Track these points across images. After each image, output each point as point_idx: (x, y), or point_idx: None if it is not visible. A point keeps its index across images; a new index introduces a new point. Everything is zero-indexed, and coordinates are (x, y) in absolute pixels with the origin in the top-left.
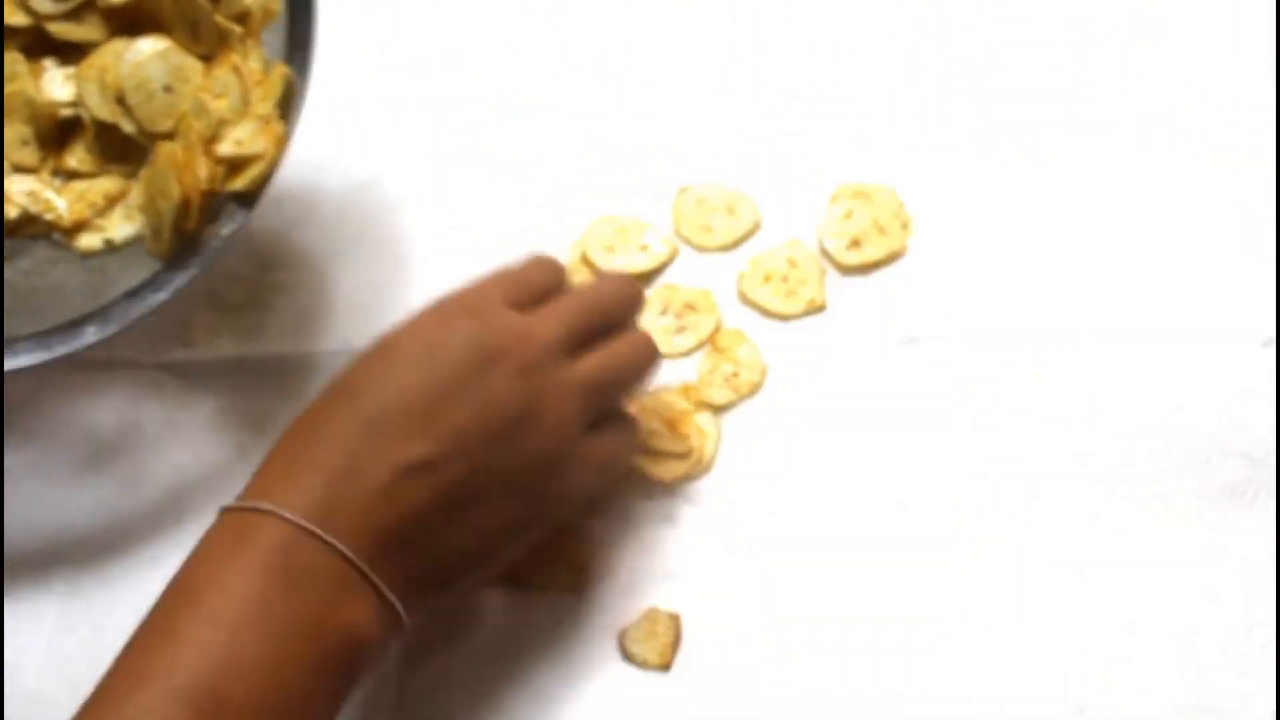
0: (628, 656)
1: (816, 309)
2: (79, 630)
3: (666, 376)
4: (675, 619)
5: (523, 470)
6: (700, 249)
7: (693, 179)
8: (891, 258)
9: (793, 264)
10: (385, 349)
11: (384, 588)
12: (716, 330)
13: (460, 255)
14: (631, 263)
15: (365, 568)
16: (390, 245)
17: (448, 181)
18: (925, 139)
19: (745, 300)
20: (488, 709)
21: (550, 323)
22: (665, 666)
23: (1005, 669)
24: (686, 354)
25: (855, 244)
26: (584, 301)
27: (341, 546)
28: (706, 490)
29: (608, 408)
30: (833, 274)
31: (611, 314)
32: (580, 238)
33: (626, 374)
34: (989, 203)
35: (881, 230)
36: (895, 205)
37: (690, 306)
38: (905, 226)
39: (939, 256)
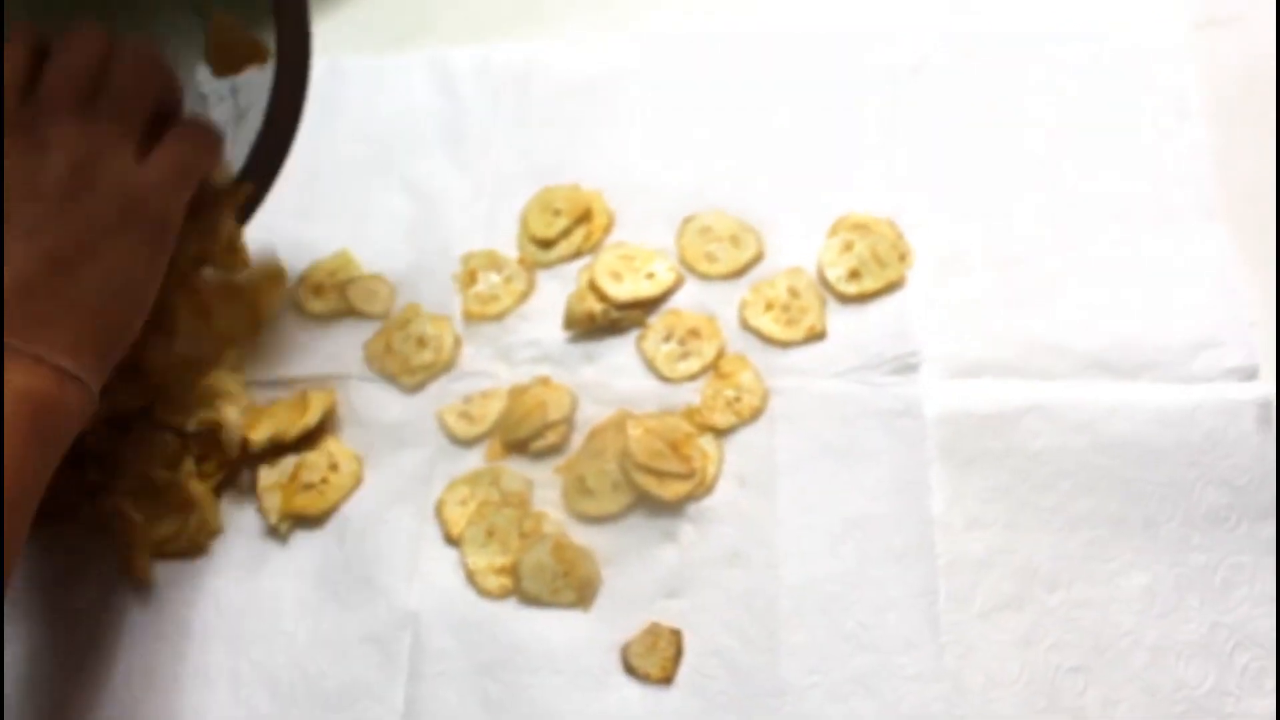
0: (630, 670)
1: (817, 336)
2: None
3: (671, 400)
4: (677, 634)
5: (107, 214)
6: (704, 277)
7: (698, 209)
8: (889, 288)
9: (794, 293)
10: None
11: (44, 353)
12: (719, 356)
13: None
14: (638, 289)
15: (16, 342)
16: None
17: None
18: (924, 172)
19: (747, 327)
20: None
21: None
22: (667, 680)
23: (1001, 682)
24: (690, 378)
25: (854, 275)
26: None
27: None
28: (708, 510)
29: (149, 118)
30: (833, 302)
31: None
32: (588, 265)
33: (147, 85)
34: (985, 236)
35: (880, 262)
36: (894, 237)
37: (694, 333)
38: (904, 258)
39: (936, 287)
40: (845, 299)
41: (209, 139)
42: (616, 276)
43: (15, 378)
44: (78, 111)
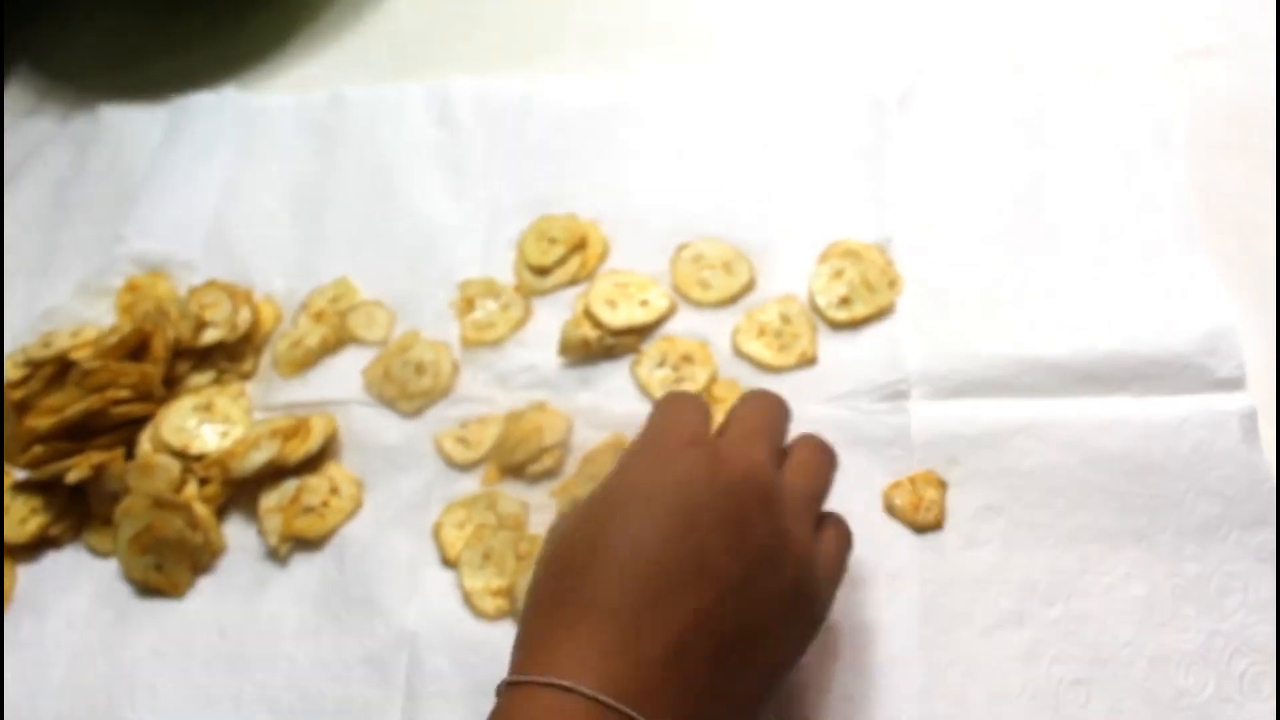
0: None
1: (808, 362)
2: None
3: None
4: None
5: (784, 599)
6: (697, 304)
7: (691, 237)
8: (880, 314)
9: (786, 319)
10: (624, 496)
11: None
12: (712, 381)
13: None
14: (632, 316)
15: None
16: None
17: None
18: (912, 199)
19: (739, 353)
20: None
21: (758, 445)
22: None
23: (1003, 697)
24: None
25: (845, 302)
26: (765, 420)
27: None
28: None
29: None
30: (824, 329)
31: (784, 426)
32: (583, 293)
33: (826, 478)
34: (972, 261)
35: (870, 288)
36: (884, 264)
37: (687, 358)
38: (893, 284)
39: (926, 313)
40: (836, 325)
41: (849, 542)
42: (611, 304)
43: None
44: (806, 504)
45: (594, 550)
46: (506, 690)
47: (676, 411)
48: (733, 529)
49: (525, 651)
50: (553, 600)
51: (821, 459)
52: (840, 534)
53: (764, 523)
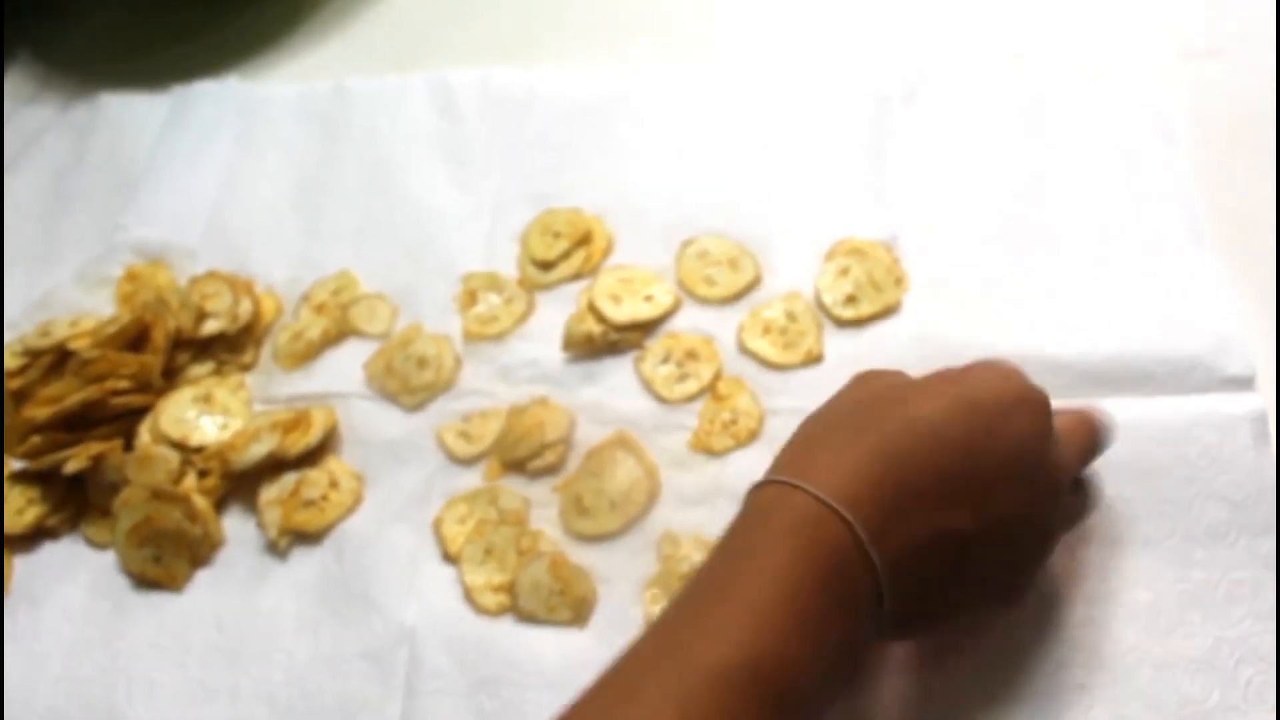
0: None
1: (814, 360)
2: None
3: (668, 422)
4: None
5: (1018, 514)
6: (703, 300)
7: (696, 233)
8: (886, 312)
9: (791, 317)
10: (918, 382)
11: (889, 601)
12: (717, 378)
13: None
14: (636, 311)
15: (884, 580)
16: None
17: None
18: (918, 197)
19: (745, 350)
20: None
21: (1077, 458)
22: None
23: (1006, 702)
24: (688, 400)
25: (851, 300)
26: (1094, 438)
27: (871, 552)
28: None
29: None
30: (830, 326)
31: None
32: (587, 287)
33: (1093, 448)
34: (978, 258)
35: (876, 286)
36: (889, 261)
37: (692, 355)
38: (899, 283)
39: (932, 310)
40: (842, 323)
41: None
42: (615, 299)
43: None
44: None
45: (882, 403)
46: (757, 488)
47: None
48: (1006, 440)
49: (788, 458)
50: (821, 429)
51: (1091, 431)
52: (1089, 495)
53: (1032, 447)
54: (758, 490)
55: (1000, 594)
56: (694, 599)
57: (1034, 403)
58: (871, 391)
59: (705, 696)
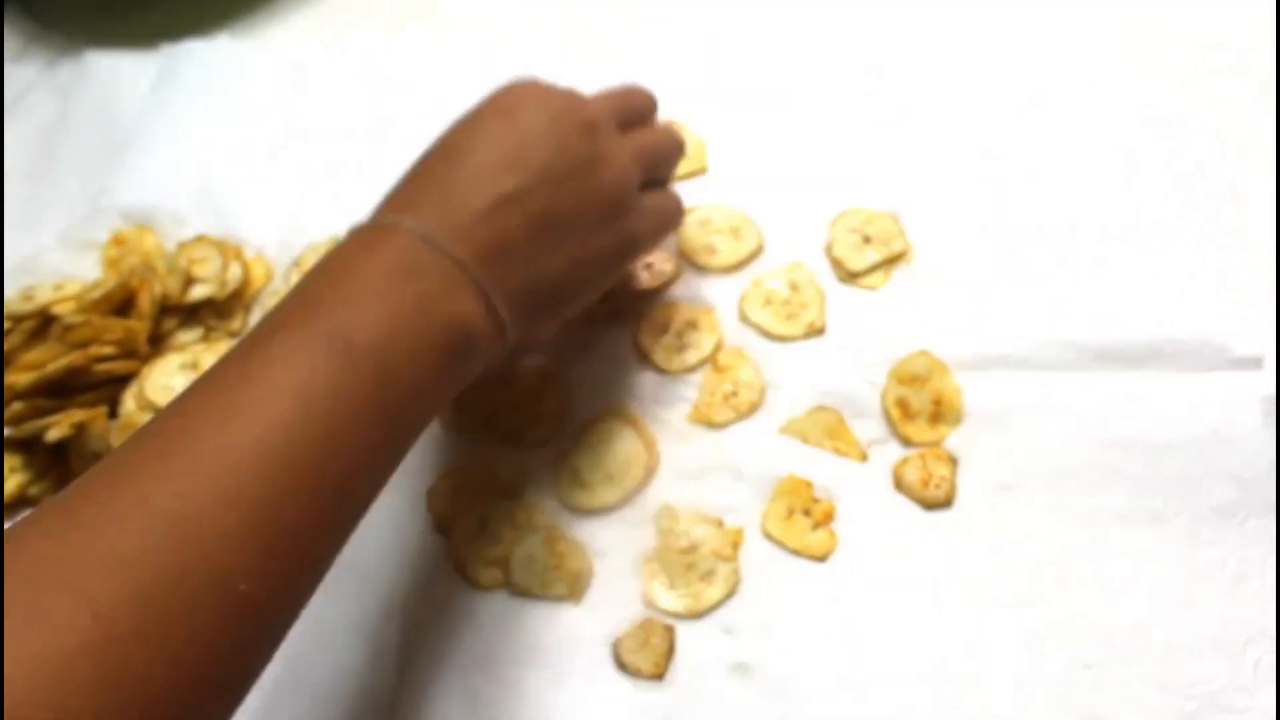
0: (622, 665)
1: (816, 332)
2: None
3: (667, 393)
4: (669, 629)
5: (595, 207)
6: (704, 269)
7: (698, 201)
8: (891, 283)
9: (794, 287)
10: (471, 117)
11: (489, 290)
12: (717, 349)
13: None
14: (636, 279)
15: (474, 272)
16: None
17: None
18: (926, 169)
19: (746, 321)
20: (482, 714)
21: (601, 101)
22: (659, 676)
23: (1014, 680)
24: (687, 371)
25: (866, 240)
26: (622, 94)
27: (454, 252)
28: None
29: (651, 177)
30: (832, 298)
31: (643, 108)
32: None
33: (664, 148)
34: (988, 232)
35: (886, 242)
36: (896, 231)
37: (692, 324)
38: (906, 253)
39: (939, 283)
40: (854, 276)
41: (679, 208)
42: None
43: (463, 304)
44: (633, 152)
45: (438, 152)
46: (348, 234)
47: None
48: (550, 140)
49: (373, 213)
50: (403, 185)
51: (664, 134)
52: (668, 195)
53: (582, 144)
54: (356, 232)
55: (606, 262)
56: (310, 283)
57: (575, 111)
58: (432, 147)
59: (321, 364)
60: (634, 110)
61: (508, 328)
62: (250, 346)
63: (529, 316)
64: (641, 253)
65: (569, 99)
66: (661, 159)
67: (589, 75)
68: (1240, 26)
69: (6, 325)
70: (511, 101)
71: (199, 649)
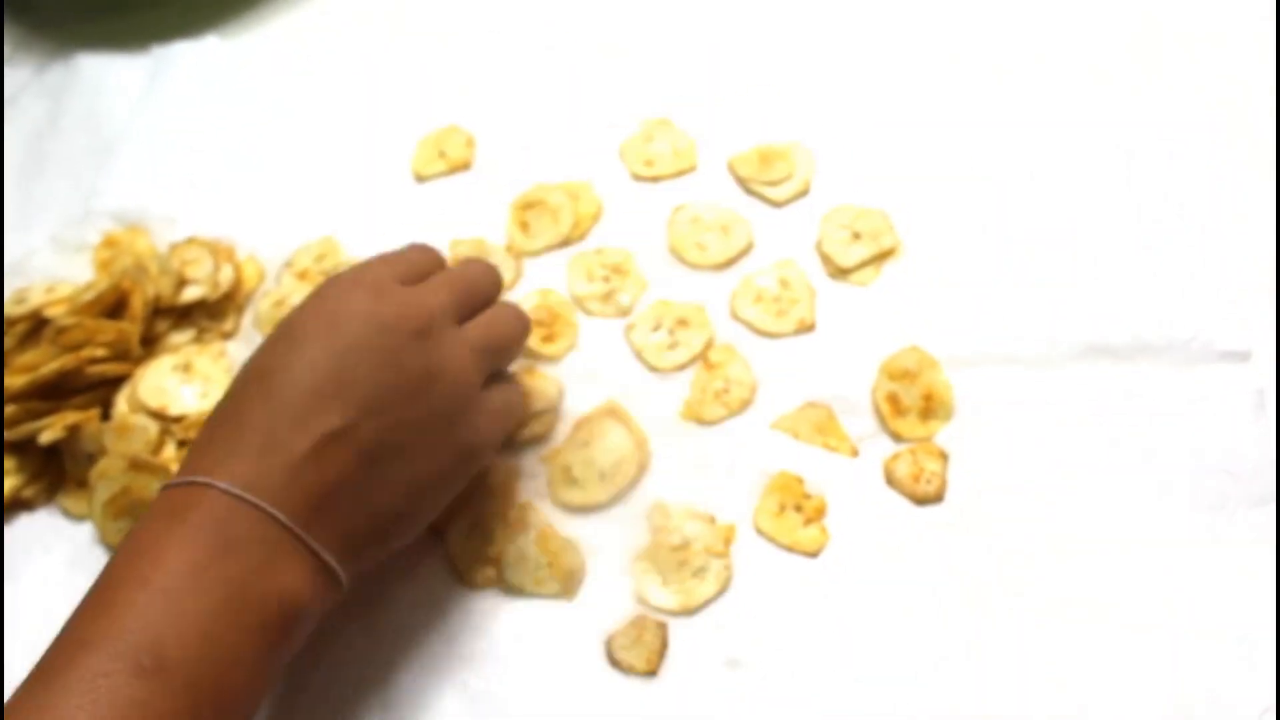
0: (614, 662)
1: (806, 328)
2: None
3: (659, 390)
4: (662, 626)
5: (432, 424)
6: (694, 266)
7: (689, 199)
8: (881, 280)
9: (784, 284)
10: (288, 329)
11: (318, 547)
12: (708, 346)
13: None
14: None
15: (298, 530)
16: None
17: None
18: (916, 165)
19: (737, 318)
20: (475, 712)
21: (438, 293)
22: (651, 673)
23: (1007, 672)
24: (679, 368)
25: (856, 237)
26: (461, 277)
27: (274, 511)
28: None
29: (495, 369)
30: (823, 295)
31: (484, 290)
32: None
33: (508, 337)
34: (979, 227)
35: (875, 237)
36: (886, 228)
37: (683, 322)
38: (896, 250)
39: (929, 279)
40: (844, 272)
41: (523, 401)
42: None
43: (291, 573)
44: (474, 350)
45: (249, 379)
46: (158, 494)
47: (374, 260)
48: (379, 357)
49: (182, 463)
50: (212, 424)
51: (508, 318)
52: (512, 389)
53: (416, 356)
54: (162, 493)
55: (448, 479)
56: (114, 575)
57: (406, 316)
58: (241, 375)
59: (125, 691)
60: (476, 295)
61: (341, 579)
62: (48, 671)
63: (361, 555)
64: (486, 460)
65: (400, 300)
66: (505, 349)
67: (586, 75)
68: (1240, 26)
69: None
70: (334, 309)
71: None
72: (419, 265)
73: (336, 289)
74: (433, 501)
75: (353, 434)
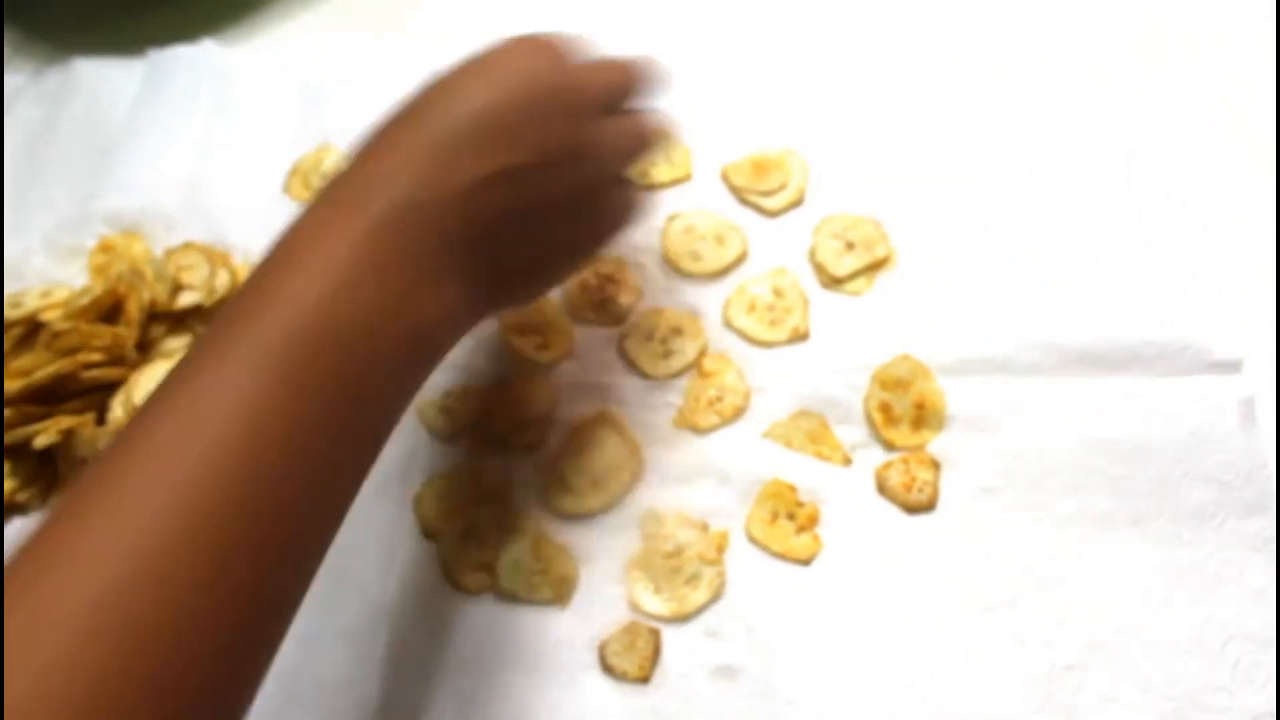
0: (607, 669)
1: (800, 337)
2: None
3: (653, 398)
4: (655, 633)
5: (573, 198)
6: (688, 275)
7: (683, 207)
8: (880, 265)
9: (778, 293)
10: (443, 79)
11: (474, 274)
12: (702, 355)
13: None
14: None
15: (461, 253)
16: None
17: None
18: (908, 173)
19: (730, 327)
20: (469, 718)
21: (595, 81)
22: (645, 679)
23: (996, 682)
24: (673, 377)
25: (850, 247)
26: (618, 72)
27: (443, 227)
28: None
29: (622, 172)
30: (816, 304)
31: (633, 91)
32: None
33: (645, 142)
34: (970, 236)
35: (870, 248)
36: (879, 237)
37: (677, 330)
38: (889, 259)
39: (921, 288)
40: (838, 281)
41: (642, 204)
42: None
43: (445, 292)
44: (614, 151)
45: (410, 116)
46: (315, 198)
47: (530, 34)
48: (540, 119)
49: (338, 177)
50: (377, 142)
51: (645, 130)
52: (637, 192)
53: (568, 132)
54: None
55: (574, 254)
56: (275, 260)
57: (564, 92)
58: (423, 94)
59: (279, 358)
60: (624, 92)
61: (483, 311)
62: (201, 353)
63: (499, 299)
64: (604, 248)
65: (559, 76)
66: (639, 152)
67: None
68: (1242, 26)
69: None
70: (496, 62)
71: (202, 647)
72: (578, 49)
73: (499, 47)
74: (562, 266)
75: (520, 176)
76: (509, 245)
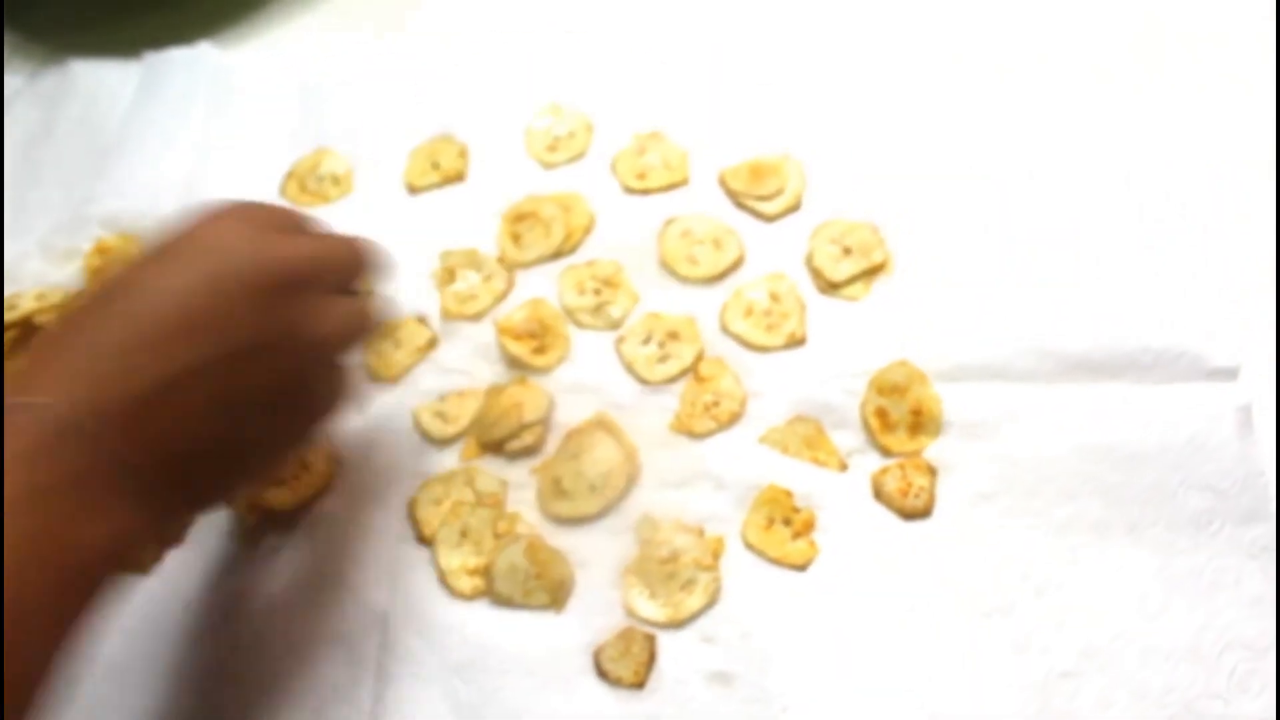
0: (602, 674)
1: (796, 342)
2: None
3: (649, 403)
4: (650, 639)
5: (278, 387)
6: (685, 279)
7: (680, 212)
8: (871, 294)
9: (775, 298)
10: (160, 249)
11: (149, 494)
12: (699, 359)
13: None
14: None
15: (132, 475)
16: None
17: None
18: (906, 179)
19: (727, 331)
20: None
21: (315, 257)
22: (639, 685)
23: (992, 689)
24: (669, 381)
25: (847, 252)
26: (341, 248)
27: (108, 446)
28: None
29: (347, 353)
30: (813, 309)
31: (356, 272)
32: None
33: (365, 325)
34: (968, 241)
35: (865, 253)
36: (876, 242)
37: (673, 335)
38: (885, 264)
39: (919, 293)
40: (835, 286)
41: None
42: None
43: (112, 519)
44: (325, 341)
45: (115, 290)
46: None
47: (254, 202)
48: (254, 299)
49: (19, 371)
50: (60, 330)
51: (364, 314)
52: (345, 379)
53: (285, 309)
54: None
55: (288, 431)
56: None
57: (277, 272)
58: (103, 283)
59: None
60: (344, 270)
61: (180, 520)
62: None
63: (197, 505)
64: (314, 435)
65: (265, 252)
66: (357, 337)
67: (579, 76)
68: (1242, 26)
69: None
70: (188, 244)
71: None
72: (293, 218)
73: (218, 218)
74: (271, 459)
75: (208, 372)
76: (202, 452)
